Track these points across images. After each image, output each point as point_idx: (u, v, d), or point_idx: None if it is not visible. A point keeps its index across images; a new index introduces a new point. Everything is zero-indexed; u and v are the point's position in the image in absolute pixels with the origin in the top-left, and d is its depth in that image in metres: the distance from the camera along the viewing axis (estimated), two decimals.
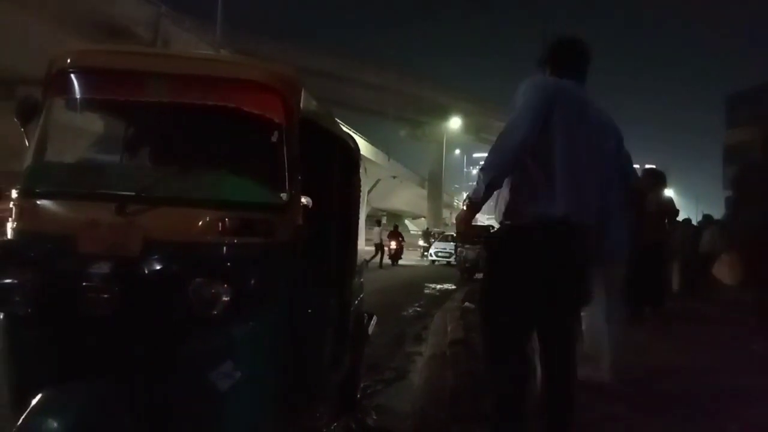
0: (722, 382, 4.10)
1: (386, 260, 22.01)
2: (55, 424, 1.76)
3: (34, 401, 1.82)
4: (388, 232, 23.78)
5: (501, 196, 2.46)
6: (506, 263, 2.44)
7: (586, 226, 2.41)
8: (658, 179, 7.29)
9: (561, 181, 2.34)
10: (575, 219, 2.35)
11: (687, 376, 4.29)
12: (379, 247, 21.68)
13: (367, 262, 19.22)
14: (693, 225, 12.86)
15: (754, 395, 3.72)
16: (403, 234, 26.65)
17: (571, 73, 2.56)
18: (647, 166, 9.16)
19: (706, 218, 13.05)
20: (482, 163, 2.42)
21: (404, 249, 25.16)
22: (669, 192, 8.34)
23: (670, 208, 7.30)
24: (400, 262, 23.40)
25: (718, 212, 16.35)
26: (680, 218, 10.90)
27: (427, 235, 31.09)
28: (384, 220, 25.41)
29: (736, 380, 4.12)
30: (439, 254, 25.81)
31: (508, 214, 2.41)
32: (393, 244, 23.40)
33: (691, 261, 10.97)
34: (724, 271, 4.36)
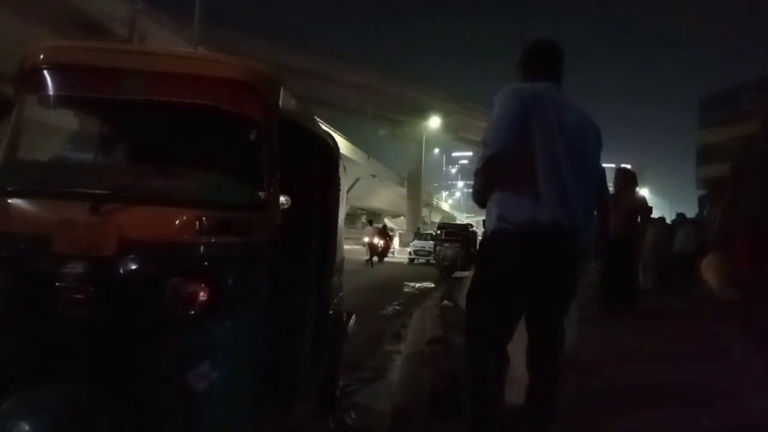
0: (695, 377, 4.18)
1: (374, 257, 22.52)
2: (27, 427, 1.73)
3: (6, 404, 1.79)
4: (376, 231, 24.52)
5: (491, 204, 2.48)
6: (495, 268, 2.46)
7: (574, 228, 2.44)
8: (630, 178, 7.43)
9: (546, 187, 2.36)
10: (563, 223, 2.38)
11: (660, 371, 4.37)
12: (372, 246, 22.38)
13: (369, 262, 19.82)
14: (667, 223, 13.09)
15: (727, 390, 3.80)
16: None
17: (546, 75, 2.57)
18: (622, 165, 9.27)
19: (680, 217, 13.31)
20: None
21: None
22: (643, 191, 8.49)
23: (643, 206, 7.44)
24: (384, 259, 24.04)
25: (691, 211, 16.69)
26: (655, 217, 11.10)
27: (418, 236, 31.39)
28: (364, 219, 25.92)
29: (708, 375, 4.20)
30: (418, 253, 25.87)
31: (499, 221, 2.43)
32: (380, 242, 24.05)
33: (666, 259, 11.17)
34: (709, 274, 4.27)
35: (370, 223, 25.36)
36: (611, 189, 7.19)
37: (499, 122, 2.38)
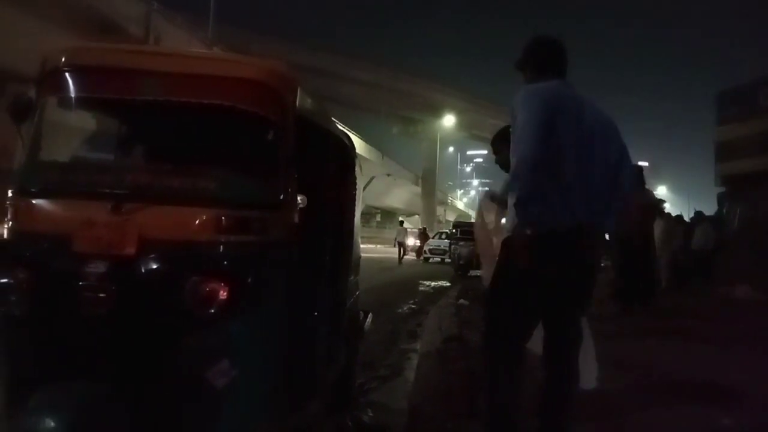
0: (712, 376, 4.13)
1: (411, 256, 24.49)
2: (52, 424, 1.76)
3: (31, 401, 1.82)
4: (417, 233, 28.55)
5: (510, 207, 2.42)
6: (517, 269, 2.40)
7: (596, 228, 2.42)
8: (639, 177, 7.42)
9: (571, 188, 2.33)
10: (587, 225, 2.35)
11: (677, 369, 4.32)
12: (402, 245, 24.42)
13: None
14: (684, 221, 12.94)
15: (745, 390, 3.76)
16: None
17: (556, 73, 2.53)
18: (639, 162, 9.16)
19: (698, 214, 13.14)
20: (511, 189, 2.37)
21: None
22: (661, 188, 8.41)
23: (653, 201, 7.43)
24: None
25: (710, 208, 16.46)
26: (670, 213, 10.97)
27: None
28: (378, 218, 27.73)
29: (726, 374, 4.16)
30: (434, 252, 25.83)
31: (523, 224, 2.36)
32: (417, 243, 27.36)
33: (683, 257, 11.04)
34: None
35: (401, 223, 28.19)
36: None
37: (527, 129, 2.30)
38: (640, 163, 9.24)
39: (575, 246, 2.35)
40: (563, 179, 2.33)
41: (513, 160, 2.34)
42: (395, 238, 25.95)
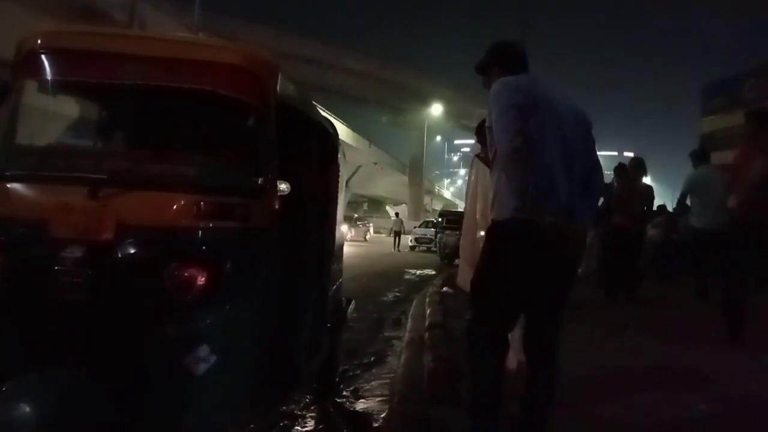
0: (690, 363, 4.19)
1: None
2: (28, 410, 1.74)
3: (5, 388, 1.80)
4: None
5: (502, 193, 2.42)
6: (508, 257, 2.41)
7: (581, 219, 2.43)
8: (639, 167, 7.56)
9: (555, 179, 2.32)
10: (571, 215, 2.36)
11: (657, 357, 4.38)
12: (398, 234, 26.70)
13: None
14: (668, 211, 13.03)
15: (720, 376, 3.83)
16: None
17: (524, 70, 2.59)
18: (626, 153, 9.25)
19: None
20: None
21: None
22: (646, 179, 8.44)
23: (650, 192, 7.60)
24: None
25: None
26: (656, 204, 11.04)
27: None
28: (366, 206, 29.11)
29: (702, 362, 4.22)
30: (420, 240, 25.92)
31: (515, 212, 2.35)
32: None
33: (665, 247, 11.14)
34: None
35: (397, 214, 31.10)
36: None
37: (501, 120, 2.31)
38: (627, 154, 9.32)
39: (560, 236, 2.35)
40: (545, 169, 2.32)
41: (491, 152, 2.35)
42: (391, 228, 29.31)
